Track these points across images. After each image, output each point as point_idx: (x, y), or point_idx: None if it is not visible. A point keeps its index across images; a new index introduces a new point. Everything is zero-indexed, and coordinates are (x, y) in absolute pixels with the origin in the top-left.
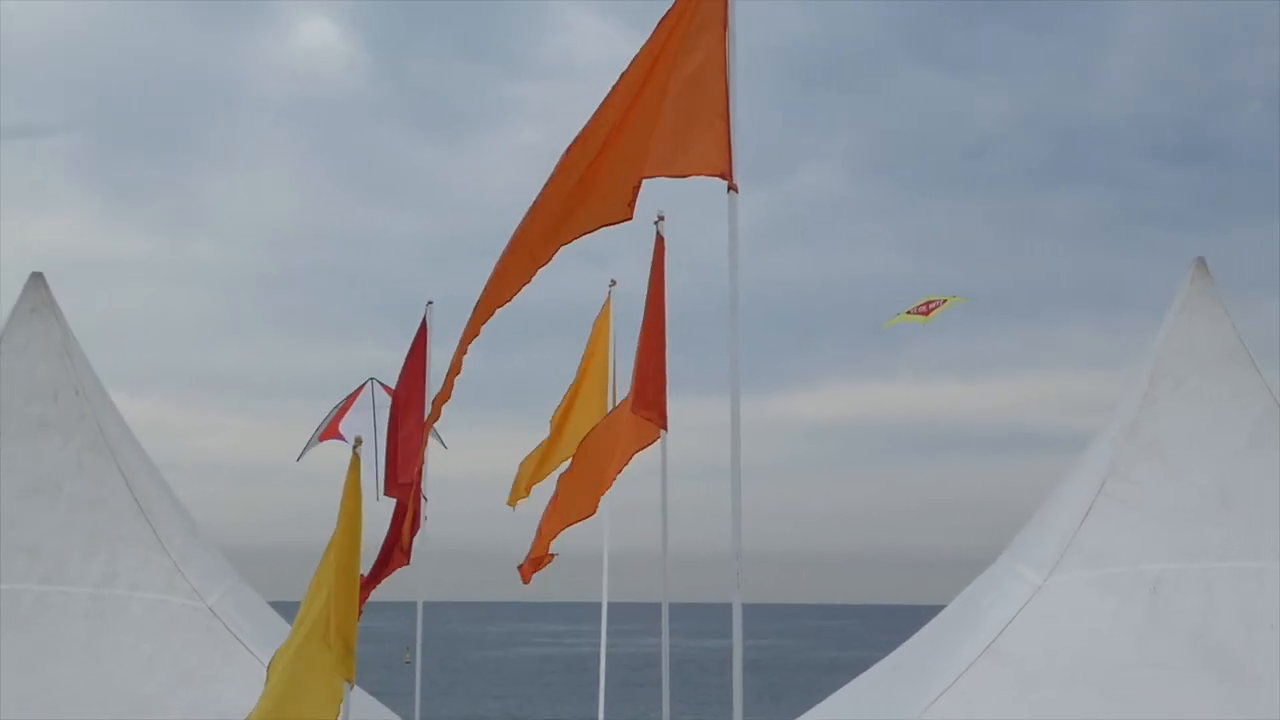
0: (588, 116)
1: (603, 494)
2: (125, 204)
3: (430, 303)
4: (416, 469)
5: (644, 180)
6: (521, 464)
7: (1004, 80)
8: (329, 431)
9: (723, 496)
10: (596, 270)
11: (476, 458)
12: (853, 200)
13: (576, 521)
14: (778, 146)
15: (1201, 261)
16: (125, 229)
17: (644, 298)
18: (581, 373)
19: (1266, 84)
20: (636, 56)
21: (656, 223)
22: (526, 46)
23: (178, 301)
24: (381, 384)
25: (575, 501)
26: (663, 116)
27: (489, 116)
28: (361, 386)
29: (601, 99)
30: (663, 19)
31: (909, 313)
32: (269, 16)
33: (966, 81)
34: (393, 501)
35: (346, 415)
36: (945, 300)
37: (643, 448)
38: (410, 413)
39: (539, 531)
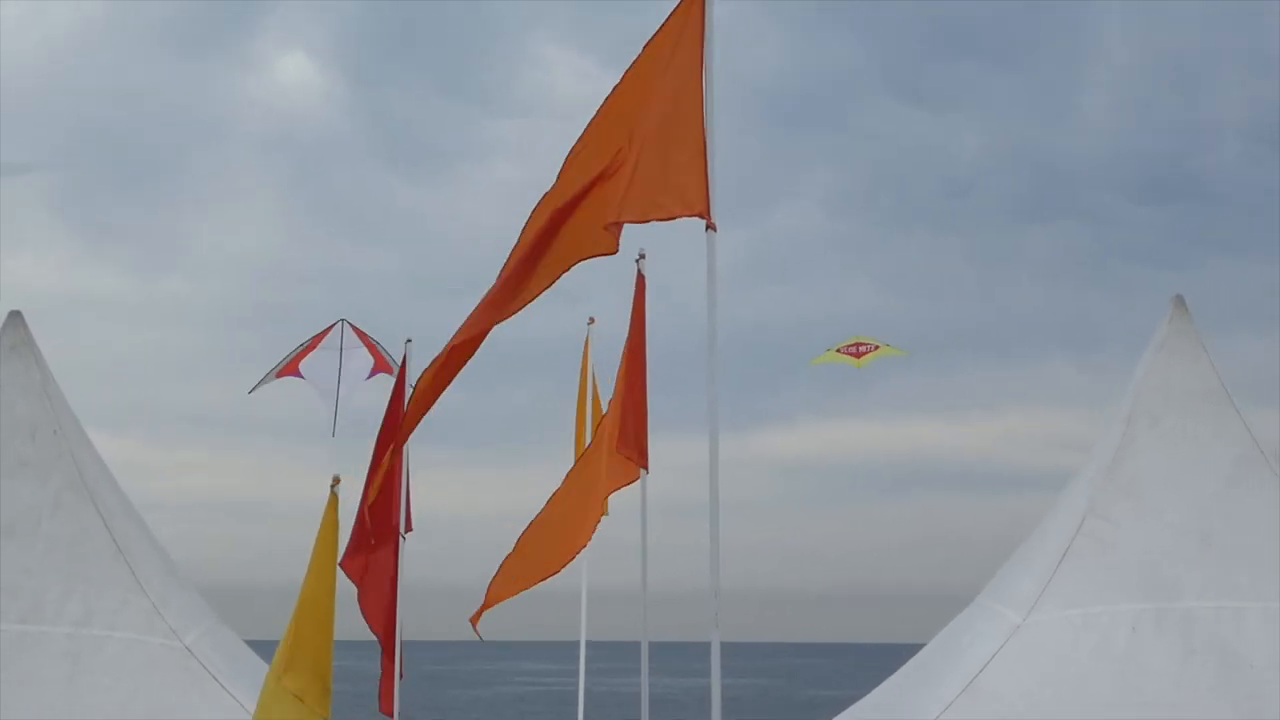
0: (566, 154)
1: (580, 548)
2: (104, 241)
3: (409, 340)
4: (396, 508)
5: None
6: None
7: (981, 117)
8: (288, 369)
9: (702, 534)
10: (574, 308)
11: (456, 495)
12: (831, 237)
13: (545, 579)
14: (756, 184)
15: (1180, 299)
16: (104, 266)
17: (622, 336)
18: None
19: (1243, 120)
20: (614, 94)
21: (638, 261)
22: (504, 83)
23: (157, 339)
24: (353, 326)
25: (545, 556)
26: (643, 160)
27: (467, 153)
28: (331, 326)
29: (579, 136)
30: (640, 56)
31: (838, 351)
32: (247, 53)
33: (944, 118)
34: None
35: (311, 353)
36: (879, 347)
37: (622, 486)
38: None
39: (496, 582)
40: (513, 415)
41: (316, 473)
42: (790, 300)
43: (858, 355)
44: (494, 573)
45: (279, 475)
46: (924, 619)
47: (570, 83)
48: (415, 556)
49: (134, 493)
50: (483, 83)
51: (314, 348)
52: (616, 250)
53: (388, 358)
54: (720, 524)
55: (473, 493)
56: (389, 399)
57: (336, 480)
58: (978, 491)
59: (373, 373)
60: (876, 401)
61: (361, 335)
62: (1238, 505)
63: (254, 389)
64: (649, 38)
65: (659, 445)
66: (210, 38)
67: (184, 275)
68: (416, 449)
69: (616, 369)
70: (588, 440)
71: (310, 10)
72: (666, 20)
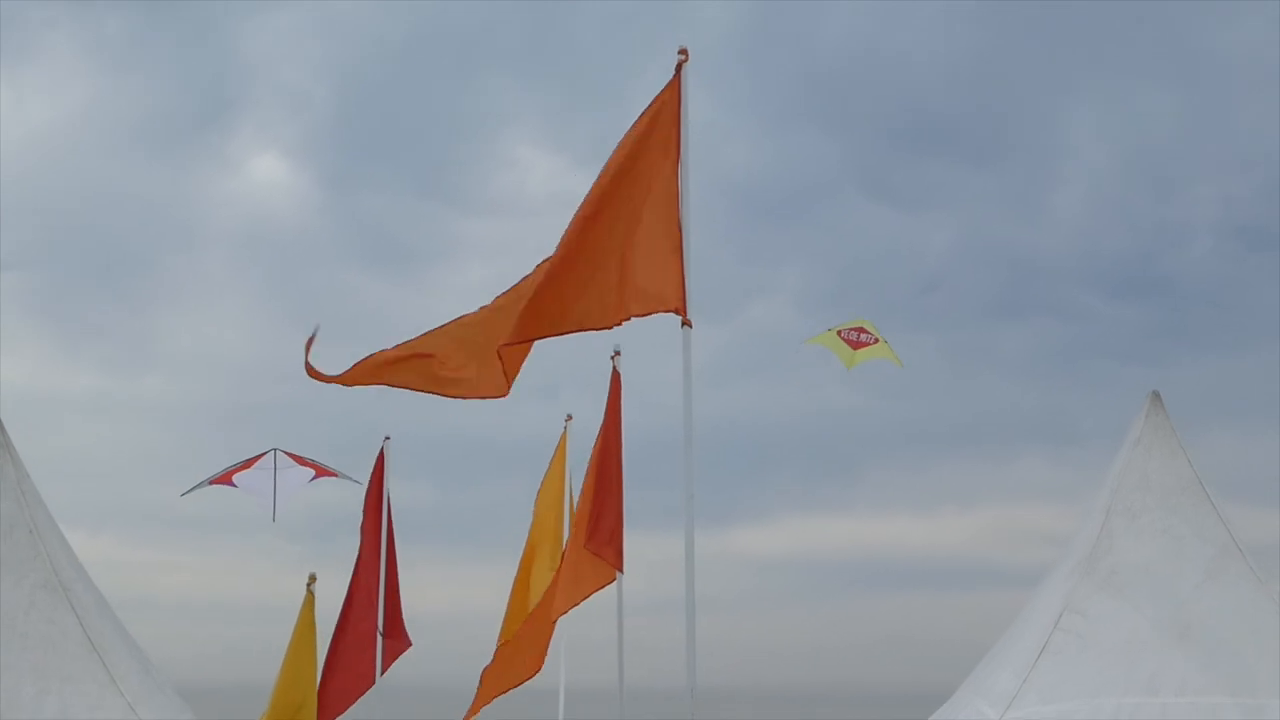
0: (537, 252)
1: (546, 644)
2: (81, 340)
3: (388, 438)
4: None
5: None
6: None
7: (953, 214)
8: (222, 479)
9: (679, 630)
10: (551, 405)
11: (436, 593)
12: (804, 334)
13: (523, 681)
14: (728, 281)
15: (1156, 395)
16: (81, 365)
17: (597, 432)
18: (541, 519)
19: (1214, 218)
20: (591, 193)
21: (613, 358)
22: (477, 183)
23: (133, 438)
24: (285, 451)
25: (521, 659)
26: (620, 263)
27: (439, 252)
28: (263, 454)
29: (553, 235)
30: (616, 156)
31: (838, 334)
32: (219, 152)
33: (916, 215)
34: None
35: (245, 471)
36: (878, 341)
37: (599, 588)
38: (371, 560)
39: (480, 693)
40: (492, 512)
41: (291, 571)
42: (764, 396)
43: (855, 345)
44: (480, 673)
45: (255, 574)
46: (905, 716)
47: (542, 182)
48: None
49: (110, 591)
50: (455, 182)
51: (247, 467)
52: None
53: (327, 465)
54: (697, 620)
55: (453, 590)
56: (365, 497)
57: (313, 579)
58: (952, 587)
59: (315, 478)
60: (853, 498)
61: (295, 457)
62: (1215, 600)
63: (186, 493)
64: (622, 136)
65: (634, 541)
66: (184, 138)
67: (160, 375)
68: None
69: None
70: (565, 536)
71: (283, 111)
72: (641, 119)
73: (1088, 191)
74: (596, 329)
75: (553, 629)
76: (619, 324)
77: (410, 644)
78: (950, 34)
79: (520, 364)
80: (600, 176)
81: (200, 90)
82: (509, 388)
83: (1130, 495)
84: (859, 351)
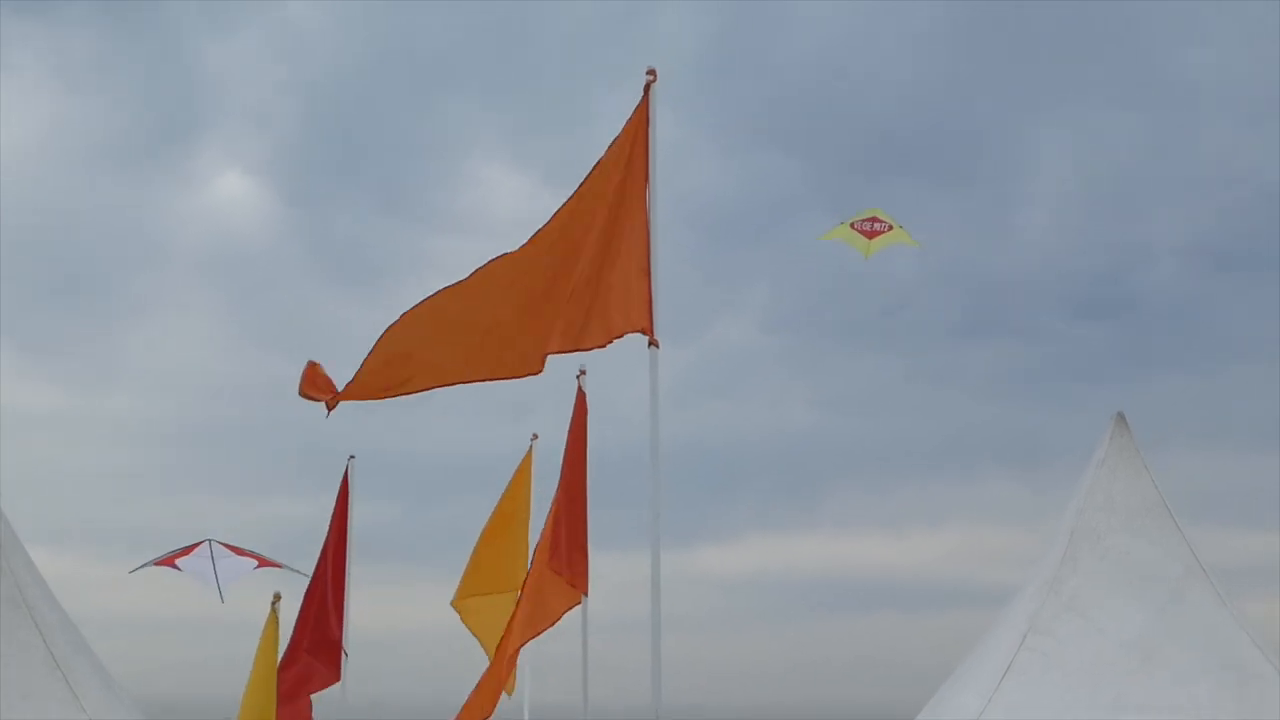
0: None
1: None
2: (43, 358)
3: (352, 457)
4: (338, 626)
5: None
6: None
7: (918, 235)
8: (166, 561)
9: (644, 650)
10: (516, 423)
11: (396, 611)
12: (769, 354)
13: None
14: (694, 302)
15: (1121, 416)
16: (42, 382)
17: (563, 452)
18: (496, 527)
19: (1177, 239)
20: (562, 216)
21: (579, 377)
22: (443, 201)
23: (97, 456)
24: (221, 543)
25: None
26: (593, 286)
27: (405, 270)
28: (198, 544)
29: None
30: (588, 178)
31: (851, 227)
32: (184, 170)
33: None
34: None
35: (185, 557)
36: (893, 228)
37: (566, 610)
38: (334, 574)
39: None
40: (457, 531)
41: (255, 590)
42: (730, 416)
43: (870, 235)
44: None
45: (218, 592)
46: None
47: (508, 201)
48: (357, 672)
49: (73, 608)
50: (421, 201)
51: (186, 554)
52: (541, 370)
53: (268, 557)
54: (662, 640)
55: (414, 609)
56: (331, 517)
57: (277, 597)
58: (919, 607)
59: (258, 567)
60: (818, 517)
61: (231, 548)
62: (1180, 621)
63: (134, 570)
64: (590, 157)
65: (600, 561)
66: (148, 156)
67: (124, 392)
68: (354, 566)
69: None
70: (527, 555)
71: (247, 129)
72: (614, 143)
73: (1052, 212)
74: (578, 350)
75: (517, 654)
76: (603, 346)
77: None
78: (914, 56)
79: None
80: (573, 197)
81: (165, 109)
82: (543, 363)
83: (1095, 516)
84: (874, 240)
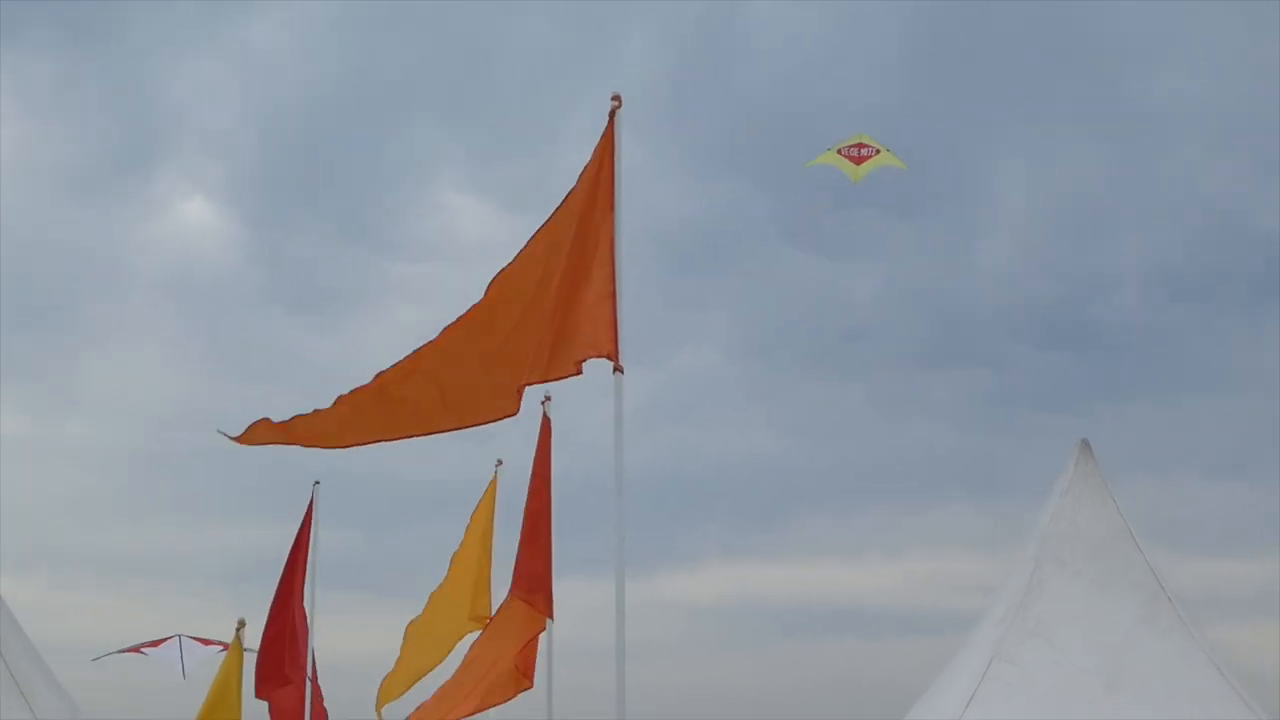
0: (465, 296)
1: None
2: (6, 382)
3: (317, 483)
4: (306, 657)
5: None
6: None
7: (880, 263)
8: (133, 649)
9: (609, 676)
10: (480, 449)
11: (361, 639)
12: (732, 381)
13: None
14: (656, 328)
15: (1085, 444)
16: (3, 407)
17: (529, 477)
18: (462, 559)
19: (1137, 266)
20: (530, 248)
21: (543, 403)
22: (405, 227)
23: (58, 482)
24: (191, 637)
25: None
26: (558, 316)
27: (367, 296)
28: (169, 638)
29: (482, 279)
30: (559, 208)
31: (839, 153)
32: (144, 196)
33: (842, 264)
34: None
35: (154, 648)
36: (880, 151)
37: (532, 640)
38: (290, 602)
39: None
40: (419, 557)
41: (218, 616)
42: (693, 442)
43: (857, 160)
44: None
45: (182, 618)
46: None
47: (470, 227)
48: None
49: (36, 635)
50: (383, 227)
51: (155, 645)
52: (517, 412)
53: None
54: (627, 666)
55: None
56: (293, 542)
57: (242, 624)
58: (881, 634)
59: (223, 650)
60: (782, 544)
61: (202, 640)
62: (1144, 648)
63: (97, 658)
64: (553, 182)
65: (565, 587)
66: (108, 182)
67: (85, 418)
68: (319, 593)
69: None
70: (492, 581)
71: (208, 156)
72: (583, 172)
73: (1014, 240)
74: (549, 381)
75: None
76: (575, 374)
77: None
78: (877, 83)
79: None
80: (542, 228)
81: (125, 134)
82: (518, 403)
83: (1060, 543)
84: (863, 165)
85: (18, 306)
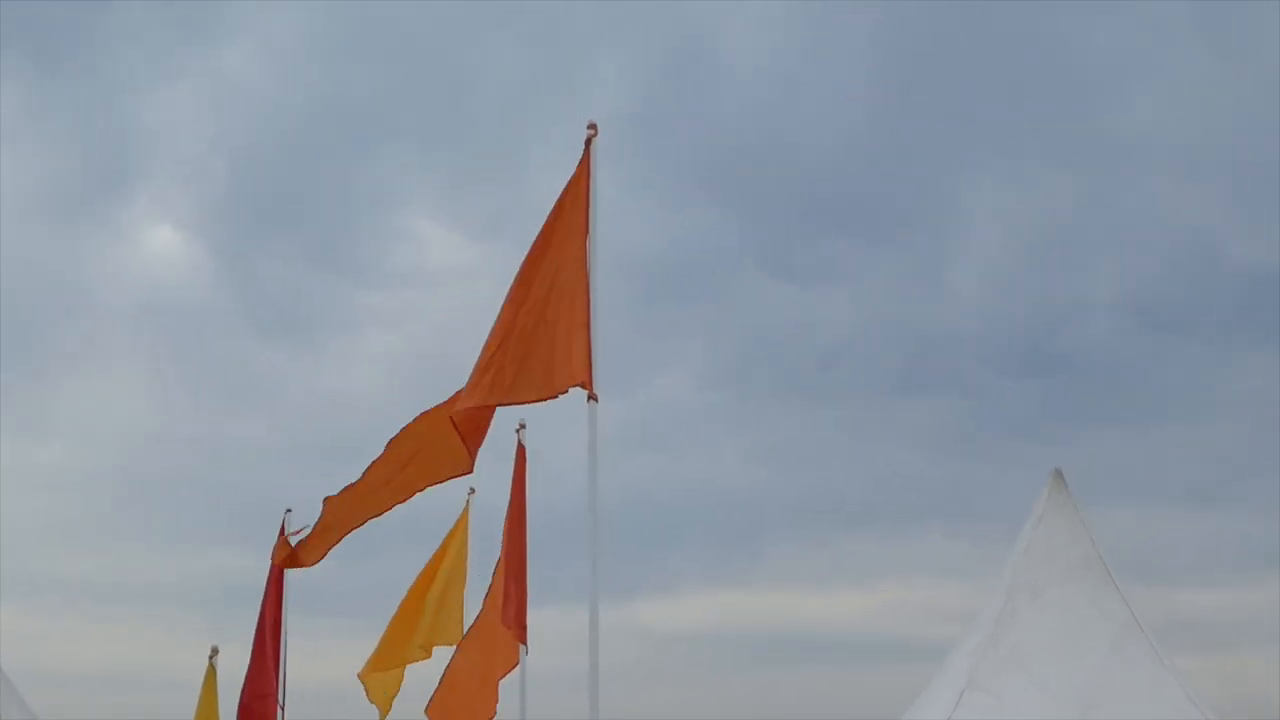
0: (436, 323)
1: None
2: None
3: (289, 510)
4: (274, 681)
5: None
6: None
7: (852, 290)
8: None
9: (583, 705)
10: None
11: (330, 667)
12: (704, 409)
13: None
14: (628, 357)
15: (1059, 473)
16: None
17: (502, 506)
18: (426, 577)
19: (1109, 294)
20: (520, 271)
21: (518, 431)
22: (374, 255)
23: (28, 508)
24: None
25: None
26: (531, 341)
27: (338, 323)
28: None
29: (452, 306)
30: (539, 235)
31: None
32: (116, 221)
33: (814, 292)
34: None
35: None
36: None
37: (508, 671)
38: (268, 623)
39: None
40: (390, 585)
41: (192, 643)
42: (666, 470)
43: None
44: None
45: (155, 645)
46: None
47: (441, 255)
48: None
49: (8, 661)
50: (353, 255)
51: None
52: (471, 470)
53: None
54: (600, 693)
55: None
56: (269, 572)
57: (215, 651)
58: (853, 663)
59: None
60: (755, 572)
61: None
62: (1117, 677)
63: None
64: (525, 210)
65: (538, 616)
66: (78, 208)
67: (57, 444)
68: (291, 619)
69: (499, 539)
70: (464, 609)
71: (178, 181)
72: (558, 201)
73: (985, 268)
74: (531, 402)
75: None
76: (543, 400)
77: None
78: (847, 112)
79: (481, 438)
80: (528, 254)
81: (96, 159)
82: (472, 462)
83: (1033, 572)
84: None
85: None
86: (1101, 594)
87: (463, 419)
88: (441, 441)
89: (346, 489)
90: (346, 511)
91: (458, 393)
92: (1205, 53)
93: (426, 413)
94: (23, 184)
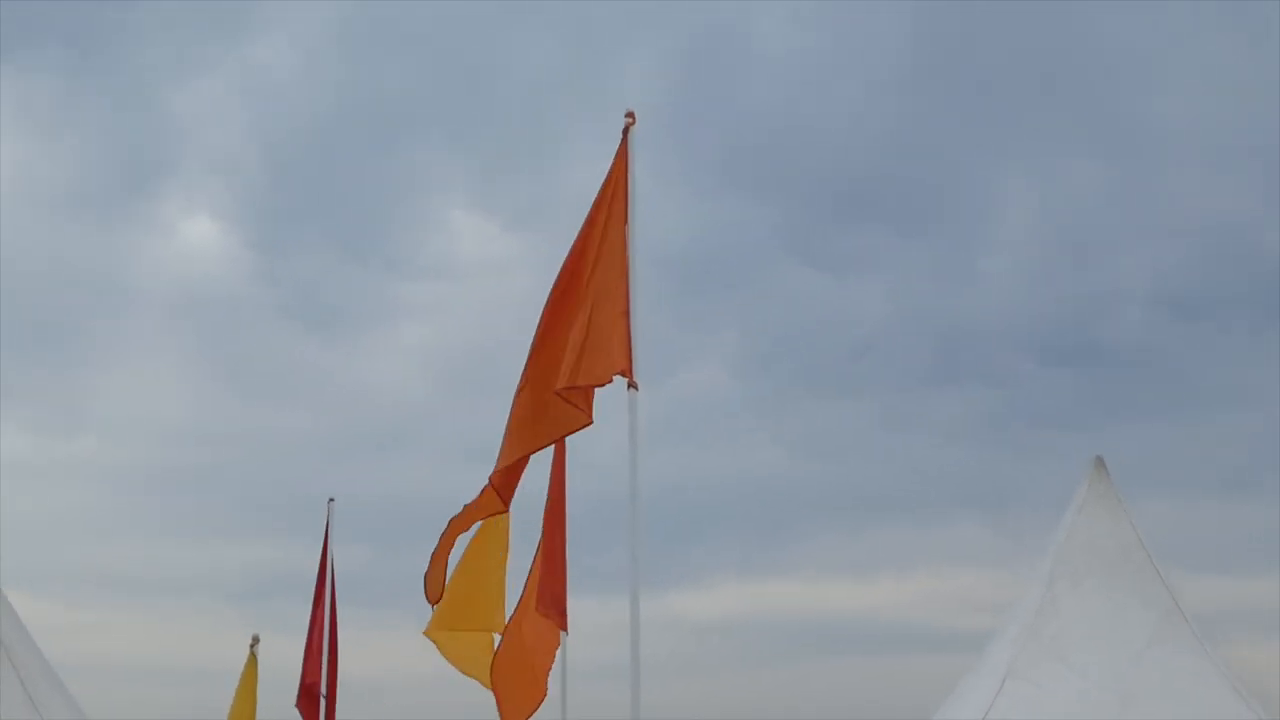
0: (469, 315)
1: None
2: (11, 401)
3: (332, 500)
4: (316, 670)
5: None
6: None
7: (884, 280)
8: None
9: (623, 694)
10: (490, 468)
11: (366, 656)
12: (738, 399)
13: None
14: (662, 347)
15: (1100, 461)
16: (12, 426)
17: (539, 495)
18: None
19: (1143, 285)
20: (565, 264)
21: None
22: (408, 246)
23: (68, 500)
24: None
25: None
26: (581, 330)
27: (372, 314)
28: None
29: (486, 297)
30: (583, 226)
31: None
32: (150, 214)
33: (847, 282)
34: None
35: None
36: None
37: (550, 658)
38: (316, 614)
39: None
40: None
41: (231, 633)
42: (699, 461)
43: None
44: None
45: (194, 635)
46: None
47: (473, 246)
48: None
49: (49, 651)
50: (388, 246)
51: None
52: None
53: None
54: (641, 684)
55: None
56: (319, 559)
57: (256, 640)
58: (886, 653)
59: None
60: (791, 562)
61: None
62: (1159, 666)
63: None
64: (556, 200)
65: (575, 606)
66: (114, 200)
67: (94, 437)
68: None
69: (538, 529)
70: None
71: (213, 174)
72: (600, 190)
73: (1018, 257)
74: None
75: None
76: (601, 386)
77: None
78: (878, 101)
79: (513, 489)
80: (572, 245)
81: (131, 153)
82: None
83: (1074, 561)
84: None
85: (22, 325)
86: (1143, 582)
87: (499, 475)
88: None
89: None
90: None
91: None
92: (1238, 41)
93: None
94: (59, 177)
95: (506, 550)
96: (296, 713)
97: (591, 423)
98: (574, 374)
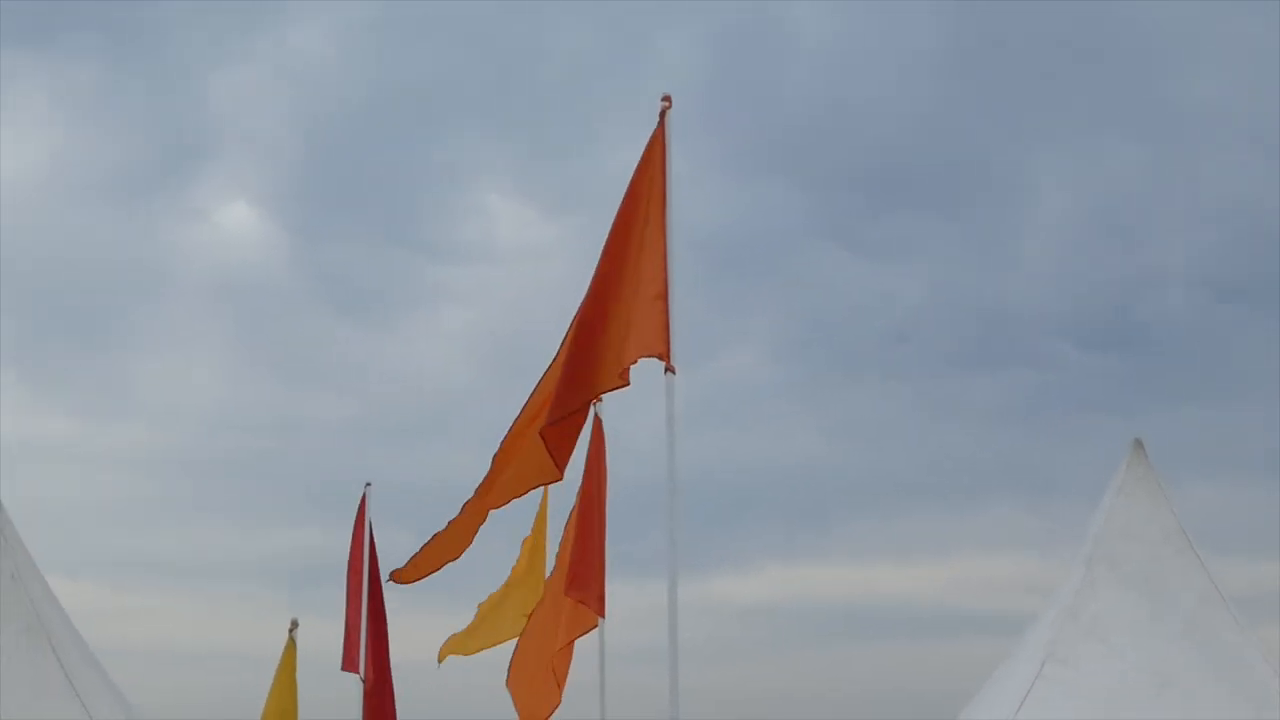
0: (508, 299)
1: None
2: (53, 388)
3: (369, 484)
4: (356, 651)
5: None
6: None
7: (923, 264)
8: None
9: (661, 679)
10: None
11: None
12: (776, 384)
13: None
14: (700, 332)
15: (1139, 443)
16: (55, 412)
17: (576, 479)
18: (525, 563)
19: (1183, 268)
20: (604, 250)
21: (594, 404)
22: (446, 231)
23: (108, 485)
24: None
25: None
26: (627, 313)
27: (411, 300)
28: None
29: (524, 281)
30: (620, 210)
31: None
32: (189, 200)
33: (885, 266)
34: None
35: None
36: None
37: (581, 635)
38: (353, 596)
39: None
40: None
41: (270, 618)
42: (737, 446)
43: None
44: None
45: (233, 620)
46: None
47: (512, 231)
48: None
49: (89, 636)
50: (426, 231)
51: None
52: (561, 478)
53: None
54: (679, 668)
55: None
56: (350, 544)
57: (295, 624)
58: (926, 636)
59: None
60: (830, 546)
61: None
62: (1198, 649)
63: None
64: (593, 184)
65: (613, 590)
66: (152, 186)
67: (133, 422)
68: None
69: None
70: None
71: (251, 160)
72: (635, 173)
73: (1057, 241)
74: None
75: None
76: (634, 364)
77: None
78: (916, 85)
79: (570, 448)
80: (611, 230)
81: (169, 139)
82: (562, 471)
83: (1113, 544)
84: None
85: (63, 313)
86: (1182, 565)
87: (551, 432)
88: (531, 456)
89: (451, 523)
90: (451, 542)
91: (546, 394)
92: (1275, 22)
93: (518, 427)
94: (98, 164)
95: (545, 545)
96: (336, 697)
97: (629, 384)
98: (620, 356)
